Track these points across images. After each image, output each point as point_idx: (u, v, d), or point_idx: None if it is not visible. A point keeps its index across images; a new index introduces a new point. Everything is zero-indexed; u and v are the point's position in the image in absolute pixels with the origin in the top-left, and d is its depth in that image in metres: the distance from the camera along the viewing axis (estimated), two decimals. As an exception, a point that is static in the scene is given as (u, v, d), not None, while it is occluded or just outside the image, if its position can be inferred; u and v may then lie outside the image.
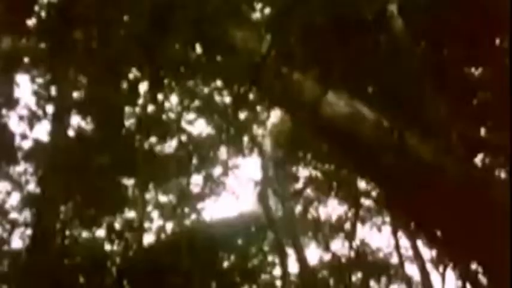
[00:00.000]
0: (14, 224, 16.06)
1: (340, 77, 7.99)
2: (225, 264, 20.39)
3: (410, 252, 19.23)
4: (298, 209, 21.15)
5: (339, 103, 7.48)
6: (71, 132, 13.45)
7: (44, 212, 13.55)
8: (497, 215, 6.13)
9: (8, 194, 16.12)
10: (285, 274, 18.62)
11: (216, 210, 21.09)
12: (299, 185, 20.38)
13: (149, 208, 19.01)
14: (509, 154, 7.50)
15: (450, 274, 18.03)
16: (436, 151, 6.76)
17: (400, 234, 18.32)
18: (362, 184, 16.81)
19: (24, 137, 14.42)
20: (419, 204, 6.82)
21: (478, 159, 8.96)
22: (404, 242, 18.69)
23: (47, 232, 14.00)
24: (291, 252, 20.75)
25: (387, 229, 19.79)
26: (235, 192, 19.17)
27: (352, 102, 7.48)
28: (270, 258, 20.97)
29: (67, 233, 16.19)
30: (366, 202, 19.15)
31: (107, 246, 18.13)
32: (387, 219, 19.19)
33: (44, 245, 13.87)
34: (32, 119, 13.77)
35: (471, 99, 8.83)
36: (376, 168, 7.17)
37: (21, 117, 13.87)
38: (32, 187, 15.85)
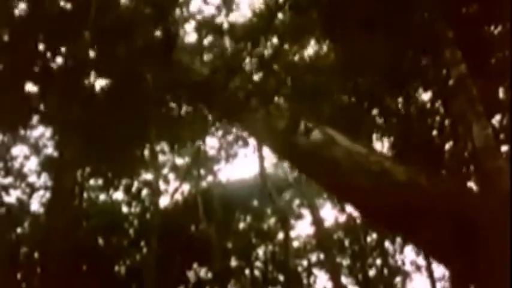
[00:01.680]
0: (33, 188, 16.26)
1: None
2: (241, 225, 20.63)
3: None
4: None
5: (314, 131, 7.61)
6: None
7: (62, 176, 13.69)
8: (472, 224, 6.20)
9: (26, 158, 16.28)
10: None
11: (231, 172, 21.15)
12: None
13: (165, 170, 19.18)
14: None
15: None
16: (410, 171, 6.88)
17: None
18: (378, 145, 16.75)
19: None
20: (400, 220, 6.89)
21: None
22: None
23: (65, 195, 14.18)
24: (306, 213, 20.93)
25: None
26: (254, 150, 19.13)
27: (325, 129, 7.65)
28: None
29: (85, 195, 16.41)
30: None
31: (124, 209, 18.41)
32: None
33: (62, 207, 14.06)
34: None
35: (489, 58, 8.70)
36: (354, 191, 7.26)
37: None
38: (49, 151, 16.00)
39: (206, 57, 10.96)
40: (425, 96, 11.22)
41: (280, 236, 20.32)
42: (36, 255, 15.10)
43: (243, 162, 22.64)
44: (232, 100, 8.89)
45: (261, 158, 18.37)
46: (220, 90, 8.78)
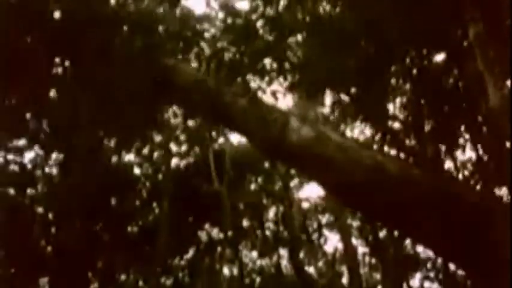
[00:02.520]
0: (47, 149, 16.35)
1: None
2: (252, 186, 20.76)
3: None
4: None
5: (304, 128, 7.56)
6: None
7: (75, 138, 13.77)
8: (467, 215, 6.19)
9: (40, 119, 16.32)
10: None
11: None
12: (326, 110, 20.28)
13: (177, 132, 19.20)
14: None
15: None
16: (403, 164, 6.88)
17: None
18: (390, 106, 16.65)
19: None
20: (394, 213, 6.89)
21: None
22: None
23: (78, 157, 14.30)
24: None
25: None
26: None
27: (316, 126, 7.62)
28: (295, 180, 21.27)
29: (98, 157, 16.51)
30: (394, 125, 19.01)
31: (137, 170, 18.53)
32: (413, 142, 19.07)
33: (76, 169, 14.20)
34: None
35: (505, 20, 8.57)
36: (347, 186, 7.25)
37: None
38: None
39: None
40: (440, 57, 11.13)
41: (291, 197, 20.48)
42: (50, 215, 15.32)
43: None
44: (222, 102, 8.93)
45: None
46: (209, 92, 8.83)
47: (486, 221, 6.11)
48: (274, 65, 11.01)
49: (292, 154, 7.93)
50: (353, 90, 15.81)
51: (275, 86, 11.73)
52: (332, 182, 7.72)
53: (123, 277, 18.20)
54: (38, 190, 16.08)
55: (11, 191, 15.23)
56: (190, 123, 18.65)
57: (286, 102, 25.88)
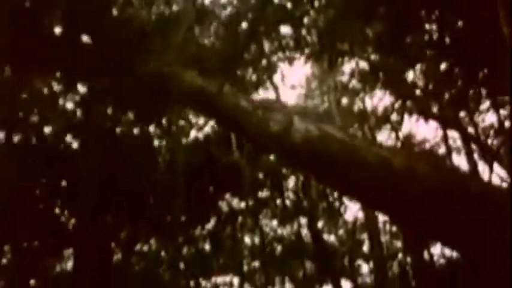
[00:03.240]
0: (68, 125, 16.44)
1: None
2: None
3: (458, 143, 19.10)
4: (344, 101, 21.04)
5: (308, 127, 7.51)
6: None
7: (94, 111, 13.86)
8: (473, 209, 6.13)
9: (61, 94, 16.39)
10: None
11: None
12: (344, 77, 20.14)
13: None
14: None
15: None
16: (408, 159, 6.82)
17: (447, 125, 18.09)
18: (410, 74, 16.49)
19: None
20: (400, 208, 6.84)
21: None
22: (452, 132, 18.54)
23: (98, 131, 14.38)
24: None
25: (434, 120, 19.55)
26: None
27: (320, 125, 7.57)
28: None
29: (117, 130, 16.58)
30: (414, 92, 18.83)
31: (156, 142, 18.58)
32: (435, 110, 18.89)
33: (96, 142, 14.29)
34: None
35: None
36: (352, 184, 7.19)
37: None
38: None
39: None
40: (461, 23, 10.91)
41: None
42: (73, 188, 15.47)
43: (272, 94, 22.43)
44: (224, 106, 8.94)
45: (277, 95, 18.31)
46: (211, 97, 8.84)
47: (493, 215, 6.08)
48: (292, 33, 10.91)
49: (297, 154, 7.96)
50: (372, 57, 15.65)
51: (293, 54, 11.65)
52: (337, 180, 7.74)
53: (145, 248, 18.46)
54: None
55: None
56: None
57: (304, 71, 25.72)
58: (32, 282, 14.20)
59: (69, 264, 15.30)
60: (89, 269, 10.96)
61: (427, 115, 18.82)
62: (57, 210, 15.04)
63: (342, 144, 7.34)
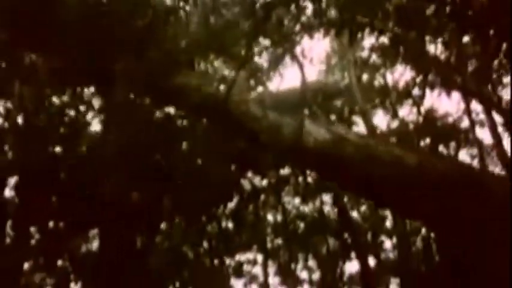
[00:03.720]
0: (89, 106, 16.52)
1: None
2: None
3: (481, 116, 18.86)
4: (365, 77, 20.88)
5: (319, 131, 7.47)
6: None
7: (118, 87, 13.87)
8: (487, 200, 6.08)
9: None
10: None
11: (281, 81, 20.98)
12: (364, 53, 19.96)
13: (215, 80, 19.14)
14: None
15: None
16: (420, 155, 6.84)
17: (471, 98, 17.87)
18: (431, 47, 16.27)
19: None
20: (415, 203, 6.79)
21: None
22: (475, 105, 18.31)
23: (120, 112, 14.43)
24: (358, 120, 20.79)
25: (456, 94, 19.32)
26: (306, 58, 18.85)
27: (331, 127, 7.55)
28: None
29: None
30: (436, 66, 18.60)
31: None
32: (458, 83, 18.66)
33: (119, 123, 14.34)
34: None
35: None
36: (367, 183, 7.16)
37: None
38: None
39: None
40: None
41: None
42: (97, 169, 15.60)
43: (292, 72, 22.38)
44: (234, 113, 8.93)
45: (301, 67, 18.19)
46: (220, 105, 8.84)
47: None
48: (311, 6, 10.80)
49: (309, 157, 7.98)
50: (393, 31, 15.45)
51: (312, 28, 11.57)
52: (351, 180, 7.76)
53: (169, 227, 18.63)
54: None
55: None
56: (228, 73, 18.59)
57: (323, 45, 25.52)
58: (59, 262, 14.44)
59: (95, 245, 15.54)
60: (114, 249, 11.12)
61: (449, 89, 18.61)
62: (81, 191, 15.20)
63: (355, 145, 7.40)
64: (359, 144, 7.54)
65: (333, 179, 9.11)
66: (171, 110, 17.82)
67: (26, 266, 13.73)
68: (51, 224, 13.40)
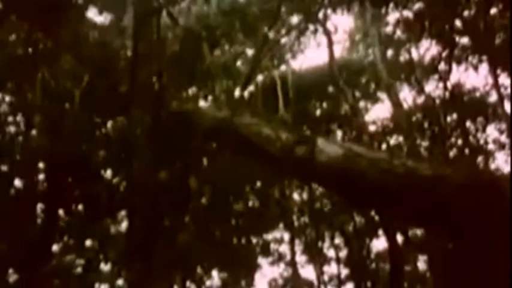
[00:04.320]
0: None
1: None
2: (318, 111, 20.66)
3: (509, 90, 18.52)
4: (390, 53, 20.64)
5: (331, 147, 7.50)
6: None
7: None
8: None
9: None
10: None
11: (305, 59, 20.86)
12: (389, 28, 19.70)
13: (238, 63, 19.14)
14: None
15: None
16: (435, 166, 6.81)
17: (499, 71, 17.55)
18: (457, 22, 15.99)
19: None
20: (430, 215, 6.78)
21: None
22: (503, 79, 17.96)
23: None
24: (383, 96, 20.63)
25: (484, 68, 18.98)
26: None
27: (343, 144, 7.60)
28: (361, 103, 21.00)
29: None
30: (462, 40, 18.30)
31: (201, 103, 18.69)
32: (484, 57, 18.34)
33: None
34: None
35: None
36: (382, 198, 7.14)
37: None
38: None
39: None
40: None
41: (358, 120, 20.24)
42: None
43: (316, 51, 22.27)
44: (245, 135, 9.02)
45: (330, 43, 18.09)
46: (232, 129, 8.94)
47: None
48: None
49: (323, 174, 8.01)
50: (417, 5, 15.23)
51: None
52: (366, 196, 7.78)
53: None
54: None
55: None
56: (250, 51, 18.57)
57: (347, 22, 25.24)
58: (88, 243, 14.71)
59: (124, 226, 15.74)
60: (142, 230, 11.25)
61: (476, 63, 18.32)
62: (108, 173, 15.38)
63: (368, 160, 7.41)
64: (372, 158, 7.59)
65: (347, 195, 9.15)
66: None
67: (55, 247, 14.02)
68: (80, 206, 13.63)
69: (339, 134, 20.75)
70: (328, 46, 18.20)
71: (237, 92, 17.87)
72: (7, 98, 14.06)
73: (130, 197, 13.83)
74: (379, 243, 21.79)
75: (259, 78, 19.32)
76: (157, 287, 9.05)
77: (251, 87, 18.95)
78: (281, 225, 21.99)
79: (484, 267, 6.52)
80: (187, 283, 20.20)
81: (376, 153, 8.06)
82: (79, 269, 14.71)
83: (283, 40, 19.11)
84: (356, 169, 7.50)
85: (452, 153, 20.07)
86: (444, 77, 19.64)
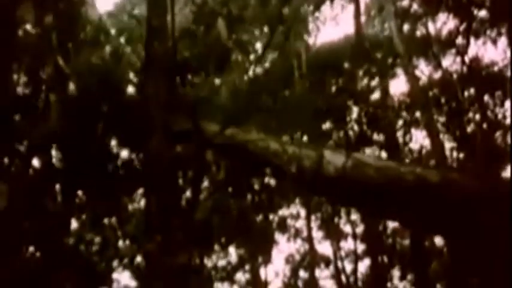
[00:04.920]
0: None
1: None
2: (333, 88, 20.52)
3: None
4: (406, 27, 20.43)
5: (339, 158, 7.57)
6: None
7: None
8: None
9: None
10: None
11: (321, 35, 20.74)
12: (405, 2, 19.48)
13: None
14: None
15: None
16: (443, 171, 6.84)
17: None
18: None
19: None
20: (440, 219, 6.77)
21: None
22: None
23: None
24: (400, 72, 20.45)
25: (503, 42, 18.72)
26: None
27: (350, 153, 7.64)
28: (378, 79, 20.84)
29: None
30: (480, 13, 18.03)
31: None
32: (503, 30, 18.08)
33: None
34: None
35: None
36: (392, 204, 7.17)
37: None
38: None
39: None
40: None
41: (374, 96, 20.16)
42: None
43: (332, 27, 22.12)
44: (254, 150, 9.19)
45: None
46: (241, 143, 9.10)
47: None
48: None
49: (332, 185, 8.08)
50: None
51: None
52: (374, 203, 7.83)
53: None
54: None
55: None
56: (266, 29, 18.45)
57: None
58: (106, 221, 14.84)
59: (142, 204, 15.87)
60: (160, 207, 11.35)
61: (494, 36, 18.07)
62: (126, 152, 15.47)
63: (377, 168, 7.48)
64: (379, 166, 7.71)
65: (356, 204, 9.29)
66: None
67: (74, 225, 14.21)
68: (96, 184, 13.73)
69: (355, 110, 20.64)
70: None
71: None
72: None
73: (147, 172, 13.93)
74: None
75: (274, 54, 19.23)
76: (176, 262, 9.16)
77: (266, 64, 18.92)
78: (297, 201, 22.07)
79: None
80: (205, 259, 20.42)
81: (384, 161, 8.18)
82: (96, 247, 14.87)
83: (301, 12, 18.95)
84: (363, 178, 7.60)
85: (469, 128, 19.94)
86: (462, 51, 19.43)
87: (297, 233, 24.37)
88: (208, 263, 21.43)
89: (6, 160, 11.84)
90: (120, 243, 15.66)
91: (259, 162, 9.86)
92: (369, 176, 7.75)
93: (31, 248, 12.17)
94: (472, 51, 19.59)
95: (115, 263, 15.66)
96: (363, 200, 8.30)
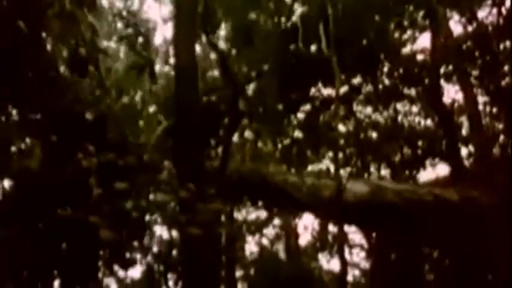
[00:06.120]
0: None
1: None
2: (364, 41, 20.18)
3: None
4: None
5: (358, 185, 7.68)
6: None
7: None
8: None
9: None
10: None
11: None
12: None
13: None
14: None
15: None
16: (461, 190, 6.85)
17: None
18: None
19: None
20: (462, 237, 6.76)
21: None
22: None
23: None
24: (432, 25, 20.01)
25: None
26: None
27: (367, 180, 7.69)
28: (409, 32, 20.49)
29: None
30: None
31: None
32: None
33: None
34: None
35: None
36: (413, 225, 7.21)
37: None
38: None
39: None
40: None
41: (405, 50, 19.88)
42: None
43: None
44: (274, 183, 9.44)
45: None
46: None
47: None
48: None
49: (351, 212, 8.23)
50: None
51: None
52: (395, 226, 7.96)
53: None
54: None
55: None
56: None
57: None
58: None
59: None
60: (191, 155, 11.44)
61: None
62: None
63: (395, 190, 7.68)
64: (398, 189, 7.89)
65: (377, 227, 9.44)
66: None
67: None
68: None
69: (387, 64, 20.34)
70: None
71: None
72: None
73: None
74: (426, 175, 21.65)
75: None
76: (209, 209, 9.29)
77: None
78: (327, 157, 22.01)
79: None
80: (234, 213, 20.68)
81: (402, 184, 8.42)
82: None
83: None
84: (383, 202, 7.80)
85: (504, 82, 19.49)
86: (498, 2, 18.87)
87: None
88: (239, 216, 21.69)
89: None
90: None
91: (277, 194, 10.12)
92: (387, 199, 8.03)
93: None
94: (509, 2, 19.00)
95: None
96: (382, 222, 8.51)
